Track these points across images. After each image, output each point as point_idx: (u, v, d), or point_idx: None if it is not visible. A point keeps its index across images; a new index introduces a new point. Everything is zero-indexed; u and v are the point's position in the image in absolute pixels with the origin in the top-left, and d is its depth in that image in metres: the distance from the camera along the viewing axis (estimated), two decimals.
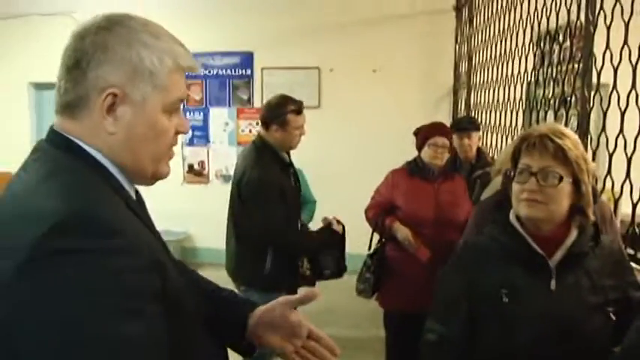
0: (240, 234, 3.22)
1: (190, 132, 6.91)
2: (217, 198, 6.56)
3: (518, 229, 1.72)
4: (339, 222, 3.36)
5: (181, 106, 1.16)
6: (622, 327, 1.60)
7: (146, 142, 1.08)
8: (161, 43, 1.08)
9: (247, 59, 6.74)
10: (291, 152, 3.34)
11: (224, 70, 6.81)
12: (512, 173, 1.73)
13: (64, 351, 0.85)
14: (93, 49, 1.02)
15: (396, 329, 3.46)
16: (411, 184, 3.41)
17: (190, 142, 6.95)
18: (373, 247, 3.53)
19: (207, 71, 6.82)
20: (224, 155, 6.88)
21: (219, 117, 6.88)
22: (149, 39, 1.07)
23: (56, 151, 1.04)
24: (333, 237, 3.31)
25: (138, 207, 1.12)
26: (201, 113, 6.91)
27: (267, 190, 3.06)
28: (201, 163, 6.96)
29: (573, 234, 1.69)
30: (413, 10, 6.35)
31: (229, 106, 6.87)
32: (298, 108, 3.20)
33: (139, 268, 0.94)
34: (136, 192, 1.18)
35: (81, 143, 1.05)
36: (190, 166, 6.97)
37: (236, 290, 3.25)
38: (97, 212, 0.93)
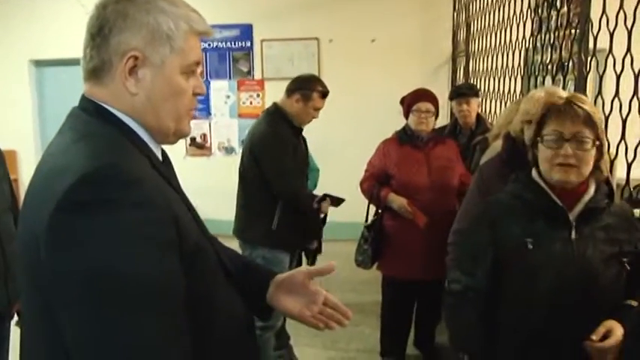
0: (249, 190, 3.35)
1: None
2: (220, 170, 6.68)
3: (542, 185, 1.84)
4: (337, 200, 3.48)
5: (198, 70, 1.22)
6: (635, 279, 1.76)
7: (166, 101, 1.16)
8: (177, 9, 1.16)
9: (247, 31, 6.75)
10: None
11: (224, 43, 6.82)
12: (538, 139, 1.83)
13: (87, 293, 0.95)
14: (114, 16, 1.11)
15: (394, 295, 3.56)
16: (402, 152, 3.45)
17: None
18: (370, 218, 3.59)
19: (206, 44, 6.81)
20: (226, 127, 6.94)
21: (220, 89, 6.91)
22: (166, 5, 1.14)
23: (86, 115, 1.14)
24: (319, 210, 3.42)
25: (162, 166, 1.20)
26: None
27: (281, 144, 3.21)
28: (204, 136, 7.02)
29: (591, 190, 1.82)
30: None
31: (230, 78, 6.89)
32: (325, 92, 3.37)
33: (155, 219, 1.02)
34: (163, 153, 1.27)
35: (107, 107, 1.14)
36: (192, 139, 7.02)
37: (241, 251, 3.37)
38: (118, 167, 1.02)
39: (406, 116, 3.52)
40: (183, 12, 1.16)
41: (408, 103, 3.49)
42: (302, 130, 3.41)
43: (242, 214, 3.41)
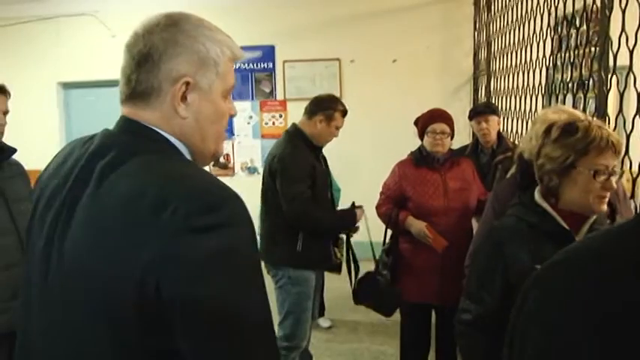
0: (272, 212, 3.38)
1: None
2: (243, 190, 6.59)
3: (547, 209, 1.84)
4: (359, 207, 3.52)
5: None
6: None
7: (212, 124, 1.22)
8: (221, 36, 1.22)
9: (269, 52, 6.84)
10: None
11: (246, 64, 6.92)
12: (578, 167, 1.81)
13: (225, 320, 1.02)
14: (164, 44, 1.14)
15: (411, 316, 3.51)
16: (418, 174, 3.40)
17: None
18: (387, 242, 3.56)
19: None
20: (248, 148, 7.01)
21: (243, 110, 6.99)
22: (211, 33, 1.20)
23: (135, 136, 1.16)
24: (352, 220, 3.46)
25: None
26: None
27: (298, 166, 3.24)
28: (227, 156, 7.10)
29: None
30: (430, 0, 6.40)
31: (252, 99, 6.98)
32: (345, 110, 3.44)
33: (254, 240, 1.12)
34: None
35: (154, 128, 1.16)
36: (216, 160, 7.09)
37: (266, 271, 3.41)
38: (234, 194, 1.08)
39: (421, 137, 3.47)
40: (225, 38, 1.23)
41: (423, 124, 3.44)
42: (321, 149, 3.45)
43: (266, 236, 3.45)
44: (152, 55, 1.14)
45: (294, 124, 3.44)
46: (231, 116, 1.29)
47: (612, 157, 1.77)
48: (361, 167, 6.26)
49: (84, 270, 1.06)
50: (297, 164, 3.25)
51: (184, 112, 1.16)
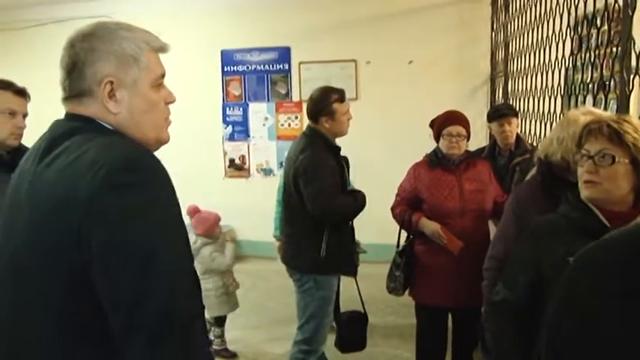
0: (295, 218, 3.38)
1: (231, 127, 7.05)
2: (258, 191, 6.73)
3: (589, 205, 1.85)
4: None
5: (164, 81, 1.41)
6: None
7: (144, 114, 1.34)
8: (135, 34, 1.34)
9: (285, 54, 6.82)
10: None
11: (262, 66, 6.91)
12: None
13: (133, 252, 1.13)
14: (84, 53, 1.28)
15: (427, 320, 3.47)
16: (434, 175, 3.37)
17: (231, 137, 7.09)
18: (402, 244, 3.52)
19: (245, 67, 6.93)
20: (264, 149, 7.00)
21: (259, 112, 6.99)
22: (125, 33, 1.32)
23: (83, 125, 1.29)
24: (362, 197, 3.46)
25: None
26: (241, 108, 7.04)
27: (319, 166, 3.22)
28: (242, 158, 7.09)
29: None
30: (447, 0, 6.34)
31: (268, 100, 6.97)
32: (341, 96, 3.38)
33: (175, 198, 1.25)
34: None
35: (100, 122, 1.30)
36: (231, 161, 7.11)
37: (289, 275, 3.39)
38: (153, 157, 1.24)
39: (436, 139, 3.44)
40: (140, 35, 1.35)
41: (439, 126, 3.41)
42: (340, 149, 3.41)
43: (289, 242, 3.44)
44: (76, 63, 1.28)
45: (309, 126, 3.42)
46: (170, 103, 1.41)
47: (598, 142, 1.79)
48: (376, 169, 6.21)
49: (28, 250, 1.21)
50: (319, 164, 3.23)
51: (115, 107, 1.30)
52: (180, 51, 6.84)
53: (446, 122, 3.38)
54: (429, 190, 3.36)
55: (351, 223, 3.46)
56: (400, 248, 3.50)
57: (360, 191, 3.48)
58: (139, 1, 6.95)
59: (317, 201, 3.19)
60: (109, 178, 1.13)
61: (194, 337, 1.18)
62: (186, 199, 5.26)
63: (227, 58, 6.99)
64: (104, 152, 1.18)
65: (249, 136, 7.06)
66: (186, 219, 4.14)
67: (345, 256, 3.40)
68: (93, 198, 1.12)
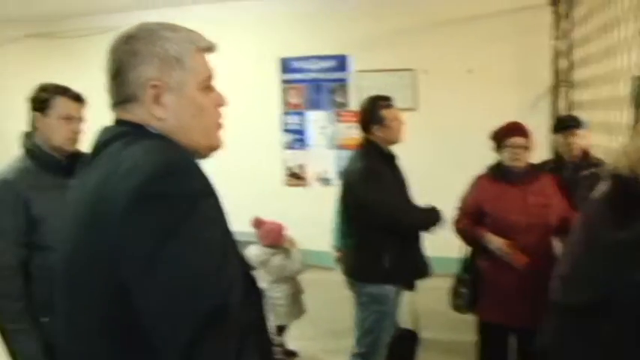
0: (356, 228, 3.40)
1: (290, 136, 7.09)
2: (317, 201, 6.73)
3: None
4: None
5: (213, 83, 1.34)
6: None
7: (193, 119, 1.28)
8: (178, 34, 1.29)
9: (342, 62, 6.83)
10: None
11: (321, 74, 6.93)
12: None
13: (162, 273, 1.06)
14: (126, 56, 1.24)
15: (489, 339, 3.40)
16: (497, 188, 3.30)
17: (290, 146, 7.13)
18: (465, 259, 3.47)
19: (304, 75, 6.97)
20: (323, 158, 7.00)
21: (317, 120, 7.02)
22: (168, 33, 1.27)
23: (130, 129, 1.25)
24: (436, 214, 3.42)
25: None
26: (300, 117, 7.08)
27: (375, 177, 3.23)
28: (301, 167, 7.14)
29: None
30: (506, 7, 6.21)
31: (327, 109, 7.00)
32: (388, 102, 3.39)
33: (222, 210, 1.18)
34: None
35: (147, 127, 1.26)
36: (290, 170, 7.16)
37: (349, 286, 3.39)
38: (192, 162, 1.18)
39: (497, 151, 3.38)
40: (185, 34, 1.29)
41: (500, 138, 3.35)
42: (395, 157, 3.42)
43: (351, 252, 3.45)
44: (119, 68, 1.25)
45: (365, 137, 3.42)
46: (220, 106, 1.35)
47: None
48: (435, 181, 6.13)
49: (70, 260, 1.20)
50: (374, 176, 3.23)
51: (161, 113, 1.25)
52: (239, 59, 7.04)
53: (507, 134, 3.32)
54: (492, 203, 3.30)
55: (416, 235, 3.43)
56: (465, 264, 3.45)
57: (432, 208, 3.45)
58: (199, 10, 7.07)
59: (377, 211, 3.20)
60: (145, 186, 1.08)
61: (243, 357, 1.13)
62: (244, 208, 5.36)
63: (286, 66, 7.03)
64: (142, 158, 1.13)
65: (307, 144, 7.09)
66: (244, 230, 4.22)
67: (412, 264, 3.38)
68: (127, 209, 1.07)
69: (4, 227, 2.38)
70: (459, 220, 3.46)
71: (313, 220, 6.20)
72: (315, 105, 7.01)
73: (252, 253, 4.46)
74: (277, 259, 4.33)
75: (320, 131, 7.03)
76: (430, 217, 3.40)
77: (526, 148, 3.29)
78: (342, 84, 6.88)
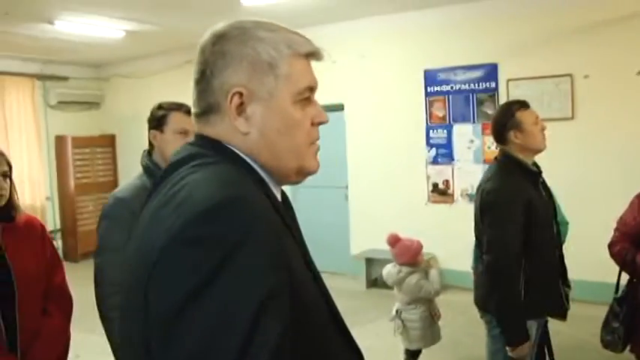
0: (484, 256, 2.97)
1: (434, 150, 6.81)
2: (463, 218, 6.31)
3: None
4: None
5: (313, 95, 1.13)
6: None
7: (281, 136, 1.07)
8: (275, 34, 1.08)
9: (492, 71, 6.41)
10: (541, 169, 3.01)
11: (467, 85, 6.57)
12: None
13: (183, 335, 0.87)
14: (213, 57, 1.07)
15: None
16: None
17: (434, 161, 6.84)
18: (621, 289, 3.02)
19: (449, 87, 6.66)
20: (469, 173, 6.58)
21: (464, 134, 6.65)
22: (262, 33, 1.08)
23: (200, 149, 1.08)
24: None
25: (282, 208, 1.09)
26: (445, 130, 6.76)
27: (510, 202, 2.76)
28: (446, 182, 6.79)
29: None
30: None
31: (474, 122, 6.59)
32: (523, 103, 2.94)
33: (270, 265, 0.92)
34: (283, 194, 1.18)
35: (224, 144, 1.08)
36: (435, 185, 6.85)
37: (482, 318, 3.03)
38: (243, 202, 0.94)
39: None
40: (282, 36, 1.09)
41: None
42: (539, 174, 2.94)
43: (481, 280, 3.01)
44: (205, 72, 1.08)
45: (502, 149, 2.96)
46: (320, 124, 1.13)
47: None
48: (595, 198, 5.51)
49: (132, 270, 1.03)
50: (509, 199, 2.78)
51: (244, 126, 1.06)
52: (382, 72, 6.94)
53: None
54: None
55: (558, 255, 2.98)
56: (620, 294, 3.02)
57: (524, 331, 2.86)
58: (343, 24, 7.05)
59: (495, 253, 2.75)
60: (185, 228, 0.90)
61: None
62: (387, 225, 5.19)
63: (430, 78, 6.78)
64: (194, 192, 0.95)
65: (453, 159, 6.74)
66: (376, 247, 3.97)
67: (551, 295, 2.89)
68: (163, 252, 0.91)
69: (120, 243, 2.38)
70: (616, 242, 3.05)
71: (458, 238, 5.84)
72: (461, 117, 6.66)
73: (387, 271, 4.29)
74: (414, 279, 4.14)
75: (467, 145, 6.64)
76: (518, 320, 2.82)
77: None
78: (490, 94, 6.44)
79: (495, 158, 2.99)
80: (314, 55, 1.13)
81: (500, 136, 2.90)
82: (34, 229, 2.50)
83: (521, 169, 2.86)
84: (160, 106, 2.57)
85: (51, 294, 2.48)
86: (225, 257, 0.88)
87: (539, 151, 2.90)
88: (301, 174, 1.14)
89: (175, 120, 2.50)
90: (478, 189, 2.96)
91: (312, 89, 1.12)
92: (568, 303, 2.96)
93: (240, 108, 1.06)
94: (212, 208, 0.91)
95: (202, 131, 1.10)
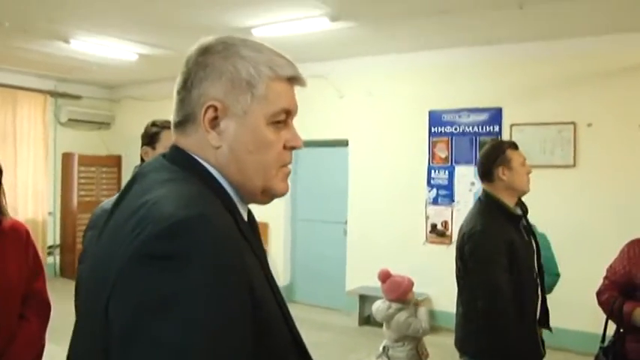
0: (466, 296, 2.90)
1: (435, 191, 6.80)
2: None
3: None
4: None
5: (291, 120, 1.14)
6: None
7: (250, 155, 1.09)
8: (259, 55, 1.10)
9: (496, 115, 6.44)
10: (536, 215, 3.02)
11: (471, 127, 6.61)
12: None
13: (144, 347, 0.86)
14: (195, 68, 1.09)
15: None
16: None
17: (434, 201, 6.83)
18: (608, 339, 2.96)
19: (453, 128, 6.68)
20: None
21: (465, 176, 6.65)
22: (246, 51, 1.10)
23: (171, 162, 1.10)
24: None
25: (247, 227, 1.11)
26: (447, 172, 6.77)
27: (493, 244, 2.72)
28: (445, 223, 6.76)
29: None
30: None
31: (475, 164, 6.57)
32: (513, 143, 2.96)
33: (230, 287, 0.92)
34: (249, 212, 1.20)
35: (195, 156, 1.09)
36: (433, 226, 6.82)
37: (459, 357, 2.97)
38: (206, 222, 0.94)
39: None
40: (266, 57, 1.11)
41: None
42: (521, 218, 2.89)
43: (462, 322, 2.93)
44: (186, 82, 1.10)
45: (483, 190, 2.93)
46: (292, 148, 1.14)
47: None
48: (588, 246, 5.46)
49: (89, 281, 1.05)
50: (494, 241, 2.73)
51: (216, 140, 1.08)
52: (388, 110, 6.98)
53: None
54: None
55: (540, 300, 2.93)
56: (606, 344, 2.96)
57: None
58: (352, 61, 7.11)
59: (489, 296, 2.68)
60: (146, 246, 0.90)
61: None
62: (384, 262, 5.15)
63: (434, 119, 6.82)
64: (154, 209, 0.95)
65: (453, 200, 6.73)
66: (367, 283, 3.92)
67: (531, 340, 2.82)
68: (124, 270, 0.90)
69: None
70: (604, 290, 3.03)
71: (453, 280, 5.77)
72: (464, 160, 6.67)
73: (377, 307, 4.26)
74: (402, 316, 4.10)
75: (468, 187, 6.63)
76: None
77: None
78: (494, 138, 6.43)
79: (478, 198, 2.97)
80: (296, 79, 1.15)
81: (487, 172, 2.88)
82: (19, 234, 2.50)
83: (502, 211, 2.83)
84: (153, 124, 2.62)
85: (30, 300, 2.47)
86: (184, 277, 0.88)
87: (522, 192, 2.89)
88: (267, 195, 1.14)
89: (167, 137, 2.48)
90: (460, 231, 2.92)
91: (289, 113, 1.13)
92: (544, 349, 2.91)
93: (214, 122, 1.07)
94: (174, 226, 0.91)
95: (178, 141, 1.12)
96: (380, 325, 4.47)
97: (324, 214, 7.75)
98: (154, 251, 0.89)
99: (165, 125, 2.56)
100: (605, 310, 2.97)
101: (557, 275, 3.65)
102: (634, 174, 5.60)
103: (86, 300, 1.04)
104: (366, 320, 6.81)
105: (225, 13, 5.42)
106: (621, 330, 2.89)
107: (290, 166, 1.17)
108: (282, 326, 1.09)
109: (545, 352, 2.89)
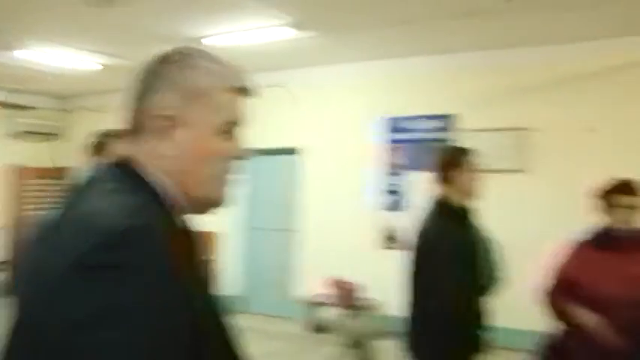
0: (415, 299, 2.95)
1: (389, 197, 6.92)
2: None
3: None
4: None
5: (239, 130, 1.16)
6: None
7: (195, 165, 1.10)
8: (212, 65, 1.12)
9: (448, 122, 6.56)
10: (485, 218, 3.12)
11: (425, 134, 6.70)
12: None
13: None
14: (150, 77, 1.10)
15: None
16: (598, 257, 2.93)
17: (389, 208, 6.90)
18: (551, 335, 3.03)
19: (407, 135, 6.80)
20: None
21: (420, 182, 6.69)
22: (201, 62, 1.11)
23: (119, 171, 1.08)
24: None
25: (188, 237, 1.12)
26: (401, 178, 6.87)
27: (444, 248, 2.83)
28: (399, 229, 6.79)
29: None
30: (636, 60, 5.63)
31: (430, 170, 6.64)
32: (468, 149, 3.10)
33: (167, 301, 0.92)
34: (190, 223, 1.18)
35: (143, 166, 1.08)
36: (387, 232, 6.87)
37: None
38: (147, 232, 0.94)
39: (604, 212, 2.99)
40: (219, 68, 1.13)
41: (607, 197, 2.98)
42: (467, 217, 3.01)
43: (410, 326, 2.99)
44: (140, 90, 1.10)
45: (438, 194, 3.06)
46: (236, 158, 1.15)
47: None
48: (533, 248, 5.52)
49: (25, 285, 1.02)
50: (443, 243, 2.85)
51: (166, 149, 1.08)
52: (342, 117, 7.01)
53: (618, 191, 2.98)
54: (589, 274, 2.92)
55: (479, 305, 2.98)
56: (549, 342, 3.04)
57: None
58: (306, 70, 7.16)
59: (444, 293, 2.78)
60: (83, 256, 0.89)
61: None
62: (337, 270, 5.12)
63: (389, 126, 6.92)
64: (96, 219, 0.94)
65: (407, 206, 6.79)
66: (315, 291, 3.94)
67: (470, 344, 2.90)
68: (60, 280, 0.90)
69: None
70: (547, 290, 3.07)
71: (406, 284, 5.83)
72: (417, 166, 6.71)
73: (327, 314, 4.30)
74: (349, 321, 4.11)
75: (423, 193, 6.67)
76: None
77: (635, 208, 2.95)
78: (448, 144, 6.53)
79: (433, 202, 3.06)
80: (246, 90, 1.17)
81: (442, 174, 2.99)
82: None
83: (454, 213, 2.95)
84: (101, 133, 2.76)
85: None
86: (121, 289, 0.88)
87: (474, 196, 3.01)
88: (207, 204, 1.15)
89: (115, 147, 2.64)
90: (414, 233, 3.00)
91: (236, 123, 1.15)
92: (487, 348, 2.99)
93: (164, 131, 1.08)
94: (115, 237, 0.90)
95: (127, 149, 1.11)
96: (331, 331, 4.49)
97: (275, 222, 7.78)
98: (93, 262, 0.89)
99: (113, 134, 2.65)
100: (547, 309, 3.03)
101: (499, 279, 3.70)
102: (582, 178, 5.70)
103: (19, 312, 1.00)
104: (318, 327, 6.78)
105: (182, 22, 5.42)
106: (563, 328, 2.96)
107: (235, 176, 1.18)
108: (222, 344, 1.10)
109: (488, 351, 2.98)
